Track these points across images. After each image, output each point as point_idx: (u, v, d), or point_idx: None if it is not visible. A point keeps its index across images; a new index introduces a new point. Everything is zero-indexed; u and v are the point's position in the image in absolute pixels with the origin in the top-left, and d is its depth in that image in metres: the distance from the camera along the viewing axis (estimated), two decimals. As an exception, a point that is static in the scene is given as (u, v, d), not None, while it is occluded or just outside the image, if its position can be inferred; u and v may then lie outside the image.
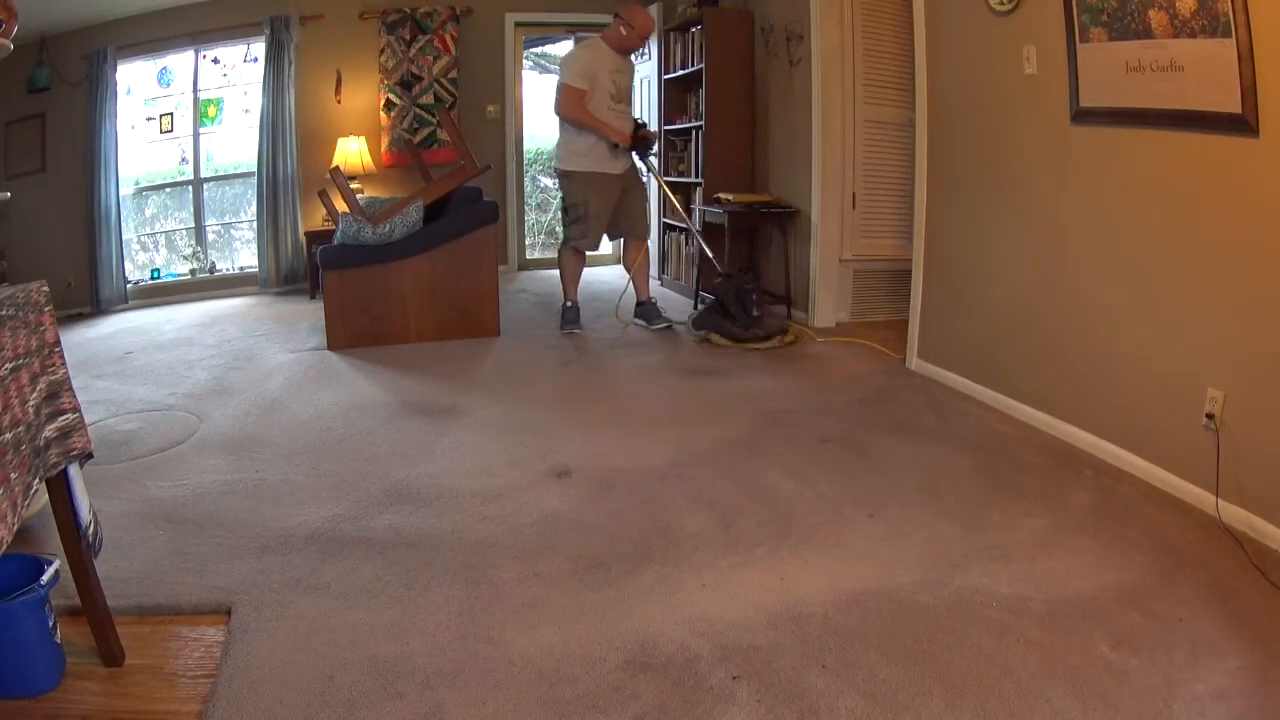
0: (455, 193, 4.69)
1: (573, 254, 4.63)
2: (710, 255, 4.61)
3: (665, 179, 5.34)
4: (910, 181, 3.90)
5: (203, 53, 6.02)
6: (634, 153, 4.52)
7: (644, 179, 4.72)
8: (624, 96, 4.44)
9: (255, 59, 6.07)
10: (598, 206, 4.45)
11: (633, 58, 4.67)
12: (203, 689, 1.63)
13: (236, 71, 6.17)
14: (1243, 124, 2.17)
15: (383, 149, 6.25)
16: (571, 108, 4.30)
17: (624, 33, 4.33)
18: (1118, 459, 2.70)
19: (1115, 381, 2.73)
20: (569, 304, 4.71)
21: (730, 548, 2.17)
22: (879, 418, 3.20)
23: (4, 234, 5.21)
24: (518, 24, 6.60)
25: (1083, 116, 2.75)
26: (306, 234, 6.02)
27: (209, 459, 2.84)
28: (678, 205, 4.77)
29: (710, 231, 5.22)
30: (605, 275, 6.52)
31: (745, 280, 4.35)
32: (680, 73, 5.67)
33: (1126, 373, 2.69)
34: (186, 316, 5.37)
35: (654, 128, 5.71)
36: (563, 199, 4.63)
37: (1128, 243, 2.66)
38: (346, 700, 1.58)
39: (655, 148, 4.68)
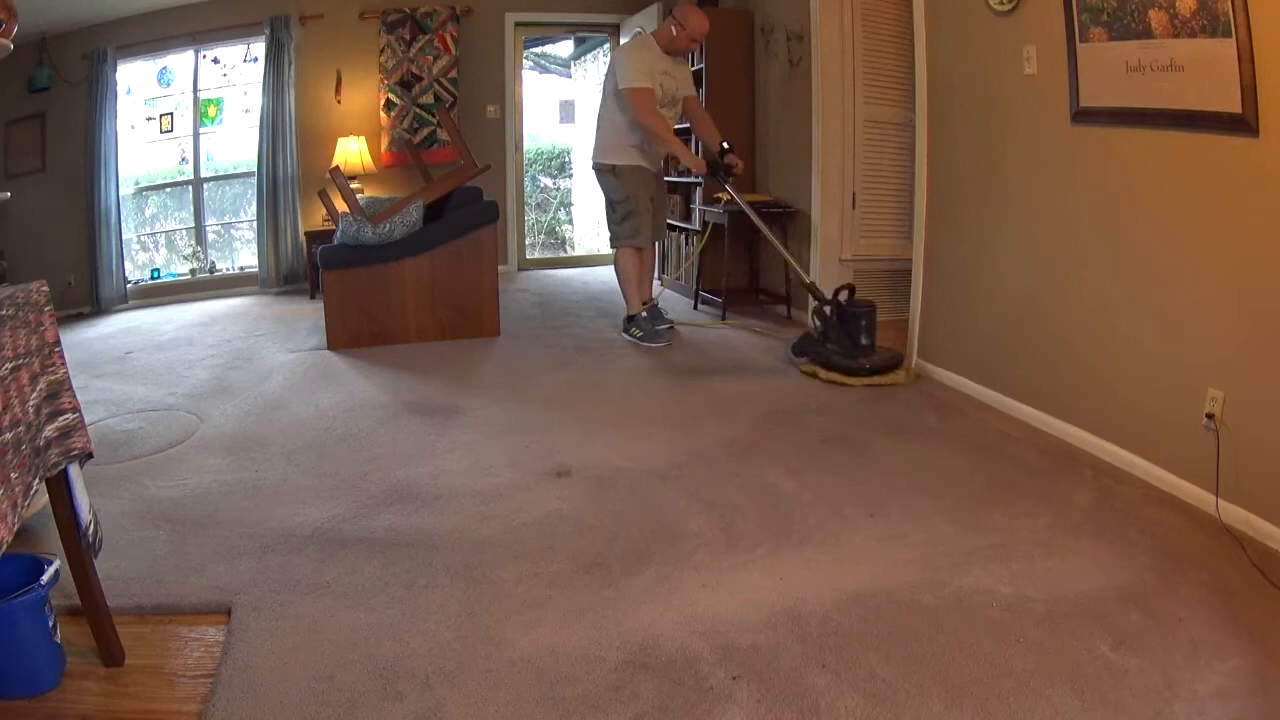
0: (455, 193, 4.69)
1: (631, 256, 4.35)
2: (803, 274, 4.12)
3: (666, 179, 5.00)
4: (910, 181, 3.90)
5: (203, 53, 6.02)
6: (715, 177, 4.25)
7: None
8: (669, 101, 4.19)
9: (255, 59, 6.06)
10: (644, 200, 4.26)
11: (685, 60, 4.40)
12: (203, 689, 1.63)
13: (236, 71, 6.17)
14: (1243, 124, 2.17)
15: (383, 149, 6.25)
16: (646, 115, 4.01)
17: (674, 32, 4.11)
18: (1118, 459, 2.70)
19: (1115, 381, 2.73)
20: (642, 314, 4.37)
21: (730, 548, 2.17)
22: (879, 418, 3.20)
23: (4, 234, 5.21)
24: (518, 24, 6.60)
25: (1083, 116, 2.75)
26: (306, 234, 6.02)
27: (209, 459, 2.84)
28: (761, 226, 4.21)
29: (711, 232, 5.22)
30: (603, 275, 6.51)
31: (853, 304, 3.76)
32: (680, 73, 5.66)
33: (1127, 373, 2.69)
34: (186, 316, 5.37)
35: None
36: (607, 196, 4.38)
37: (1127, 243, 2.66)
38: (346, 700, 1.58)
39: (731, 176, 4.24)
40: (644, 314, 4.42)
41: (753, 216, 4.22)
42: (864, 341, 3.69)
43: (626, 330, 4.46)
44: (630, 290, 4.41)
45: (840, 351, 3.70)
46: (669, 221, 5.97)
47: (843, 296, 3.79)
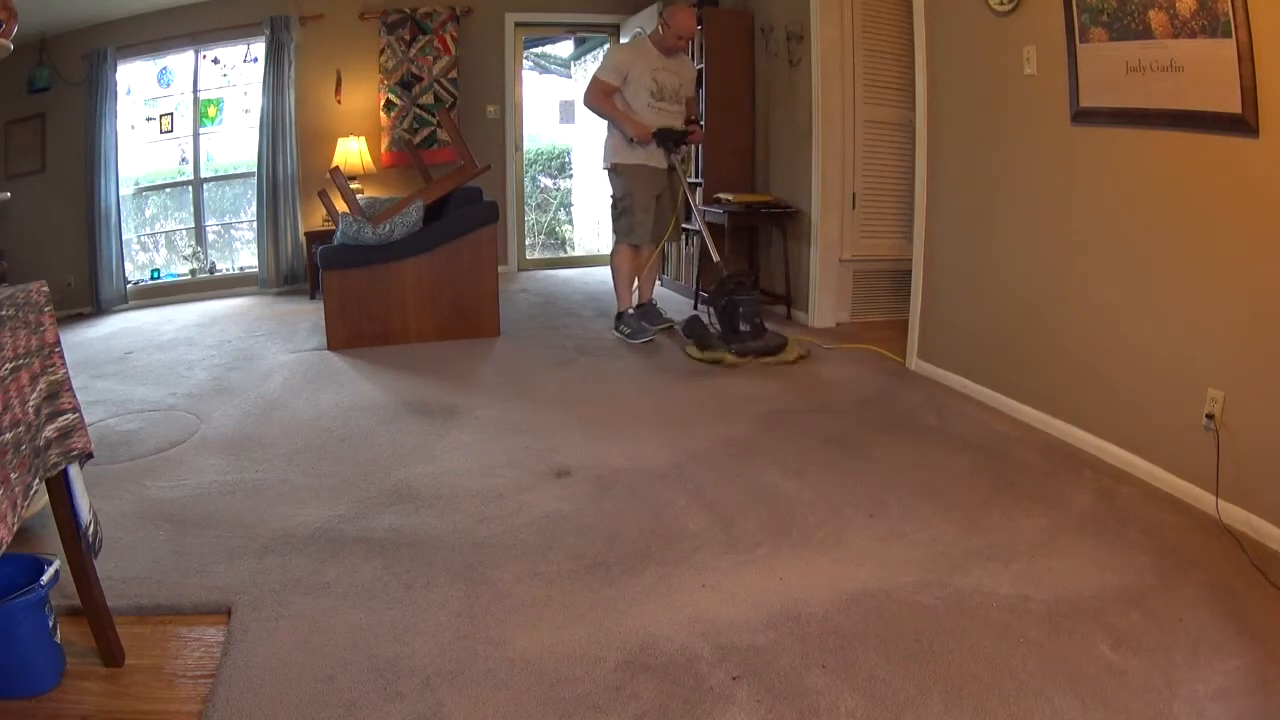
0: (455, 193, 4.68)
1: (626, 253, 4.43)
2: (716, 256, 4.27)
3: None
4: (910, 181, 3.90)
5: (203, 53, 6.03)
6: (662, 148, 4.32)
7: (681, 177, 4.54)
8: (669, 95, 4.28)
9: (255, 59, 6.07)
10: (644, 198, 4.33)
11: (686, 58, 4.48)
12: (203, 689, 1.63)
13: (236, 71, 6.17)
14: (1243, 124, 2.17)
15: (383, 149, 6.25)
16: (593, 97, 4.26)
17: (661, 31, 4.25)
18: (1118, 459, 2.70)
19: (1115, 382, 2.73)
20: (629, 310, 4.48)
21: (730, 548, 2.17)
22: (879, 418, 3.20)
23: (4, 234, 5.21)
24: (518, 24, 6.60)
25: (1083, 117, 2.75)
26: (306, 234, 6.02)
27: (209, 459, 2.84)
28: (693, 204, 4.53)
29: (710, 233, 5.22)
30: (604, 275, 6.51)
31: (739, 290, 4.01)
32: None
33: (1127, 373, 2.69)
34: (186, 316, 5.37)
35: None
36: (611, 195, 4.52)
37: (1127, 243, 2.66)
38: (346, 700, 1.58)
39: (682, 146, 4.40)
40: (631, 311, 4.48)
41: (686, 193, 4.44)
42: (743, 328, 3.95)
43: (615, 327, 4.53)
44: (621, 286, 4.49)
45: (719, 335, 4.00)
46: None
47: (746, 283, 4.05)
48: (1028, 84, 2.98)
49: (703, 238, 4.57)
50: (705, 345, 4.00)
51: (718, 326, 4.08)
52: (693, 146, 5.40)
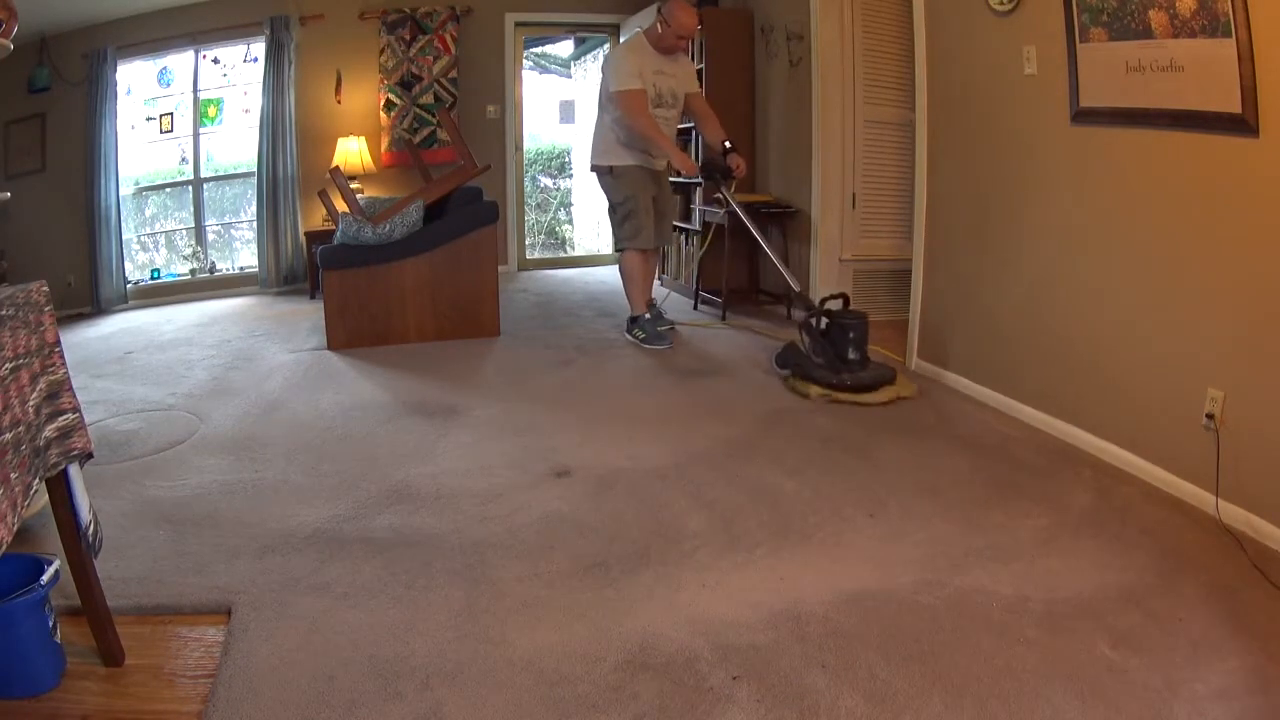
0: (455, 193, 4.69)
1: (635, 258, 4.24)
2: (796, 286, 3.87)
3: (671, 180, 4.78)
4: (910, 181, 3.90)
5: (203, 53, 6.03)
6: (711, 179, 4.13)
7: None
8: (666, 101, 4.02)
9: (255, 59, 6.07)
10: (646, 200, 4.14)
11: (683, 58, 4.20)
12: (203, 689, 1.63)
13: (236, 71, 6.17)
14: (1243, 124, 2.17)
15: (383, 149, 6.26)
16: (636, 116, 3.87)
17: (660, 30, 3.93)
18: (1118, 459, 2.70)
19: (1115, 381, 2.73)
20: (646, 315, 4.32)
21: (730, 548, 2.17)
22: (879, 418, 3.20)
23: (4, 234, 5.21)
24: (518, 24, 6.60)
25: (1083, 116, 2.75)
26: (306, 234, 6.03)
27: (209, 459, 2.84)
28: (755, 231, 4.03)
29: (713, 236, 5.22)
30: (603, 275, 6.52)
31: (840, 313, 3.51)
32: (680, 73, 5.65)
33: (1127, 372, 2.69)
34: (186, 316, 5.37)
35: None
36: (607, 199, 4.27)
37: (1127, 243, 2.66)
38: (346, 700, 1.58)
39: (730, 179, 4.09)
40: (647, 316, 4.39)
41: (748, 222, 4.05)
42: (851, 355, 3.44)
43: (629, 331, 4.44)
44: (634, 292, 4.37)
45: (824, 364, 3.46)
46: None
47: (837, 305, 3.60)
48: (1028, 84, 2.98)
49: (702, 242, 4.47)
50: (809, 378, 3.45)
51: (816, 356, 3.52)
52: (694, 146, 5.38)
